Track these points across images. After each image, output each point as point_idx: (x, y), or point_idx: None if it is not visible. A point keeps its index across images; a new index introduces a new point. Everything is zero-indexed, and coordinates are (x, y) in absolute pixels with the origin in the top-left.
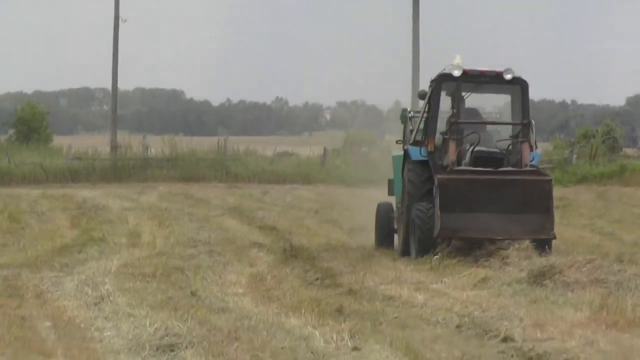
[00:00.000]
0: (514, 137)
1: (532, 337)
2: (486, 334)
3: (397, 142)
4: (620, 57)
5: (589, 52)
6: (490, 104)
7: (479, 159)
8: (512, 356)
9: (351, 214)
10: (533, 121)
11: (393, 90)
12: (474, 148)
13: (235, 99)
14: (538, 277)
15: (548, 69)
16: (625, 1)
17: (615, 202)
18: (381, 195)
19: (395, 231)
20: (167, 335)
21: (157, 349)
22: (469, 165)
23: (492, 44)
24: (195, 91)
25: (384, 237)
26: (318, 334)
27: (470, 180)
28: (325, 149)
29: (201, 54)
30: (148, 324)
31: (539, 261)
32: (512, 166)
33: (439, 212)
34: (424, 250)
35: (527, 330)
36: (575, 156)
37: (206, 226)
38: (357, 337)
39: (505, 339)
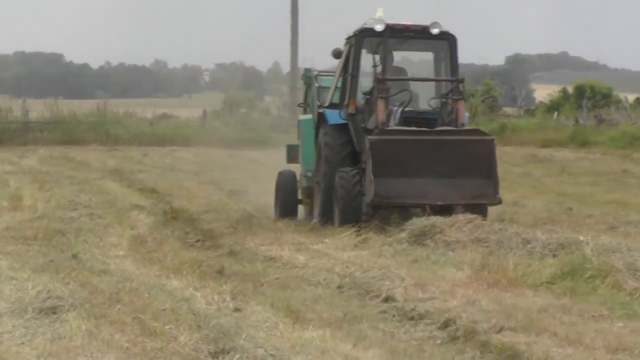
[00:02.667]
0: (444, 95)
1: (413, 297)
2: (367, 294)
3: (299, 105)
4: (500, 15)
5: (467, 11)
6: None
7: (409, 119)
8: (394, 316)
9: (231, 175)
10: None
11: (272, 51)
12: (404, 108)
13: (114, 62)
14: (419, 237)
15: None
16: None
17: None
18: (261, 156)
19: (300, 202)
20: (49, 298)
21: (40, 312)
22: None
23: (371, 3)
24: (75, 54)
25: (286, 207)
26: (199, 296)
27: (405, 141)
28: (204, 111)
29: (80, 16)
30: (30, 287)
31: (420, 221)
32: (447, 126)
33: (372, 177)
34: (348, 219)
35: (408, 290)
36: None
37: (87, 189)
38: (238, 298)
39: (386, 299)
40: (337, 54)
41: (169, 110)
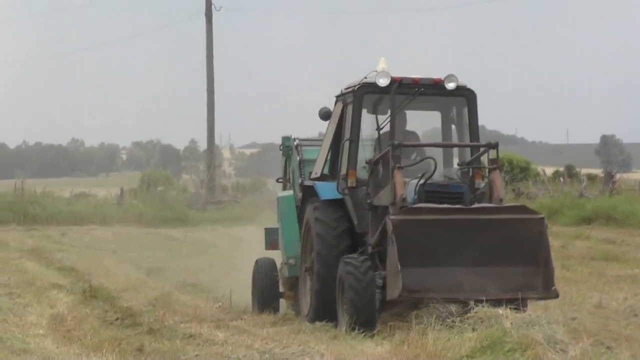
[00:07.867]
0: (468, 164)
1: None
2: None
3: (278, 180)
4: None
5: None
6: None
7: (430, 194)
8: None
9: (149, 253)
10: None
11: (188, 129)
12: (427, 180)
13: (31, 141)
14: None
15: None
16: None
17: None
18: (178, 234)
19: (282, 295)
20: None
21: None
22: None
23: (279, 80)
24: None
25: (266, 301)
26: None
27: (436, 221)
28: (122, 189)
29: None
30: None
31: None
32: (476, 202)
33: (398, 266)
34: (361, 319)
35: None
36: None
37: (5, 268)
38: None
39: None
40: (325, 115)
41: (87, 189)
